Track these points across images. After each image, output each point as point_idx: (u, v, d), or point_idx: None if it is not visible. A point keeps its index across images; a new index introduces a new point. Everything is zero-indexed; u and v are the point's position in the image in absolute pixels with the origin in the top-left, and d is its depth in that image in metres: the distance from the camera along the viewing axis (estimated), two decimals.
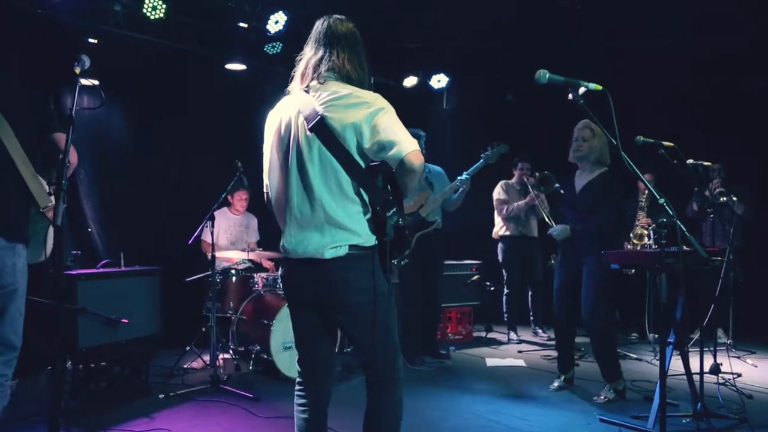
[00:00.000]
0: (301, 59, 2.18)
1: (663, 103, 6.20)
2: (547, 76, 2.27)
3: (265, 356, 4.36)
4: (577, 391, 4.19)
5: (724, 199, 4.80)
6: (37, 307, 3.39)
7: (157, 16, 4.73)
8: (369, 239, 2.05)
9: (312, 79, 2.11)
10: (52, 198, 3.35)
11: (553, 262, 4.33)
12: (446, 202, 4.98)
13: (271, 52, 5.35)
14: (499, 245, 6.14)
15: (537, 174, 5.85)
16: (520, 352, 5.57)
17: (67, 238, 4.99)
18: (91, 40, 4.78)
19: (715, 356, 4.44)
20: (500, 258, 6.13)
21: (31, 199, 2.55)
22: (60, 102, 4.85)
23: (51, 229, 3.28)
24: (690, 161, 4.36)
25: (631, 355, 5.28)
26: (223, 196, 4.38)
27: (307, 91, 2.10)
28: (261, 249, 5.13)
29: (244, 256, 4.78)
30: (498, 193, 6.07)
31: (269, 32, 4.87)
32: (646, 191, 5.51)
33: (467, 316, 6.13)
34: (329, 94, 2.03)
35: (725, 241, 4.73)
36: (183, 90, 5.47)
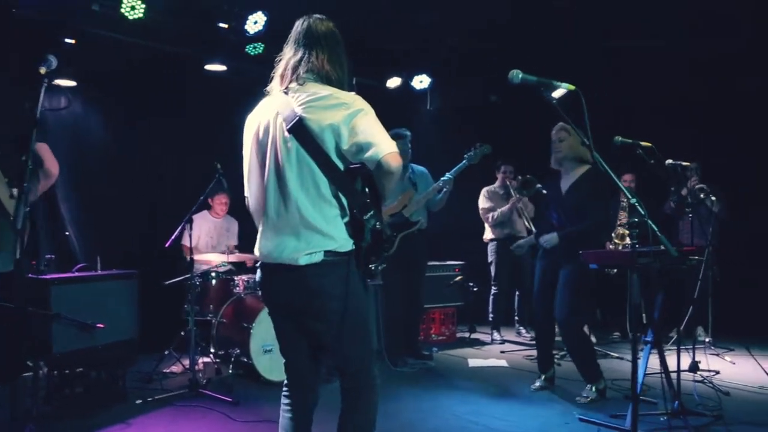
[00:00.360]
0: (280, 60, 2.16)
1: (660, 103, 6.24)
2: (520, 76, 2.27)
3: (245, 359, 4.32)
4: (558, 391, 4.21)
5: (703, 196, 4.85)
6: (11, 313, 3.36)
7: (135, 16, 4.67)
8: (345, 244, 2.03)
9: (291, 81, 2.08)
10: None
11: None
12: (430, 202, 4.98)
13: (252, 53, 5.30)
14: (489, 246, 6.17)
15: (519, 177, 5.90)
16: (502, 352, 5.58)
17: (43, 242, 4.93)
18: (68, 41, 4.71)
19: (693, 354, 4.48)
20: (490, 258, 6.15)
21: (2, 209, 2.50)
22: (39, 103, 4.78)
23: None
24: (669, 161, 4.40)
25: (613, 354, 5.31)
26: (201, 199, 4.33)
27: (286, 93, 2.08)
28: (238, 252, 5.10)
29: (223, 258, 4.74)
30: (482, 201, 6.10)
31: (248, 33, 4.83)
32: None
33: (450, 316, 6.14)
34: (308, 96, 2.01)
35: (703, 240, 4.78)
36: (163, 91, 5.41)
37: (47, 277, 3.73)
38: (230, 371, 4.44)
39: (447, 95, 6.83)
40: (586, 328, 5.67)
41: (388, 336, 5.11)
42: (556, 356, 4.69)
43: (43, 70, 2.29)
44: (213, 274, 4.78)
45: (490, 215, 6.00)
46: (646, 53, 5.93)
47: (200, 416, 3.71)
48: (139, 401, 3.92)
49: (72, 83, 5.02)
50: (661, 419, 3.45)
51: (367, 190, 2.08)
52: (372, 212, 2.03)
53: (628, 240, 5.31)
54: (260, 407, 3.83)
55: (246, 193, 2.24)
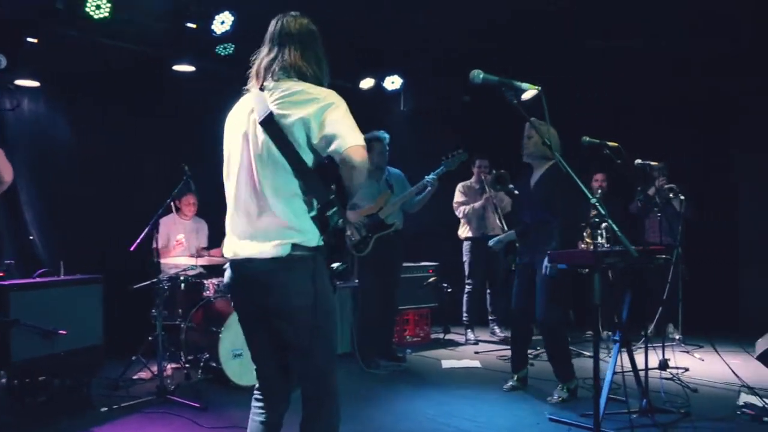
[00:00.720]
0: (256, 59, 2.18)
1: (635, 102, 6.30)
2: (481, 76, 2.27)
3: (215, 364, 4.26)
4: (530, 391, 4.22)
5: (672, 195, 4.91)
6: None
7: (101, 16, 4.56)
8: (312, 239, 2.02)
9: (266, 78, 2.11)
10: None
11: (513, 266, 4.35)
12: (408, 203, 5.03)
13: (222, 53, 5.23)
14: (464, 244, 6.17)
15: (494, 171, 5.92)
16: (476, 353, 5.59)
17: (5, 247, 4.81)
18: (30, 40, 4.59)
19: (663, 352, 4.52)
20: (464, 257, 6.16)
21: None
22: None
23: None
24: (638, 161, 4.45)
25: (585, 353, 5.34)
26: (168, 201, 4.25)
27: (262, 90, 2.10)
28: (209, 254, 5.04)
29: (192, 261, 4.66)
30: (457, 195, 6.14)
31: (215, 33, 4.76)
32: (599, 191, 5.60)
33: (425, 317, 6.13)
34: (281, 91, 2.03)
35: (670, 239, 4.84)
36: (130, 92, 5.31)
37: (6, 283, 3.62)
38: (200, 376, 4.37)
39: (420, 96, 6.83)
40: None
41: (362, 338, 5.08)
42: (530, 356, 4.70)
43: None
44: (182, 278, 4.69)
45: (462, 209, 6.02)
46: (620, 53, 5.98)
47: (167, 423, 3.63)
48: (104, 409, 3.83)
49: (35, 84, 4.90)
50: (631, 417, 3.47)
51: (333, 187, 2.05)
52: (335, 209, 2.01)
53: (600, 240, 5.37)
54: (228, 413, 3.77)
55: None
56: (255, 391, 2.25)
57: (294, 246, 1.98)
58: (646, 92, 6.19)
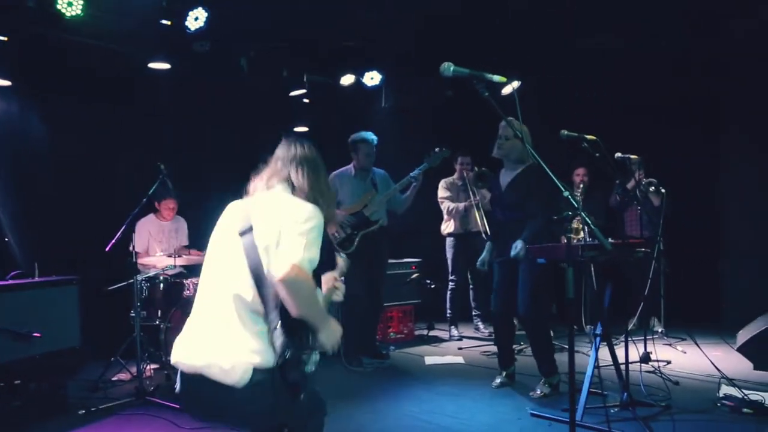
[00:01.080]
0: (261, 172, 2.18)
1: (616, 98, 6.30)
2: (452, 68, 2.24)
3: None
4: (515, 387, 4.21)
5: (653, 189, 4.92)
6: None
7: (73, 13, 4.48)
8: (269, 359, 1.86)
9: (264, 188, 2.12)
10: None
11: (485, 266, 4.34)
12: (395, 203, 5.10)
13: (199, 50, 5.16)
14: (447, 240, 6.16)
15: (475, 168, 5.91)
16: (460, 348, 5.58)
17: None
18: (0, 38, 4.50)
19: (645, 345, 4.55)
20: (447, 253, 6.15)
21: None
22: None
23: None
24: (618, 154, 4.46)
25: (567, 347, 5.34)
26: (144, 201, 4.19)
27: (254, 196, 2.11)
28: (189, 252, 4.99)
29: (169, 261, 4.61)
30: (440, 191, 6.12)
31: (189, 29, 4.70)
32: (581, 185, 5.60)
33: (408, 314, 6.11)
34: (269, 200, 2.04)
35: (649, 232, 4.85)
36: (105, 91, 5.23)
37: None
38: None
39: (401, 92, 6.80)
40: None
41: (346, 335, 5.02)
42: (514, 350, 4.69)
43: None
44: (161, 278, 4.63)
45: (447, 204, 6.01)
46: (604, 50, 5.99)
47: (145, 424, 3.59)
48: (82, 411, 3.77)
49: (6, 83, 4.81)
50: (612, 411, 3.48)
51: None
52: (282, 341, 1.85)
53: (582, 234, 5.38)
54: None
55: None
56: None
57: (255, 370, 1.84)
58: (631, 89, 6.21)
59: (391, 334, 5.94)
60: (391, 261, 5.75)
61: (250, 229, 1.95)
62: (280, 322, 1.86)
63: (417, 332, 6.22)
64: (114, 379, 4.52)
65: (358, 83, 6.26)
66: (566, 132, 3.50)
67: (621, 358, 3.70)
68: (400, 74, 6.56)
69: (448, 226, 6.13)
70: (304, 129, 6.92)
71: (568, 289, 2.23)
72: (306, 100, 6.25)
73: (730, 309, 6.05)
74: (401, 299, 6.01)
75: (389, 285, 5.68)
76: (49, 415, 3.71)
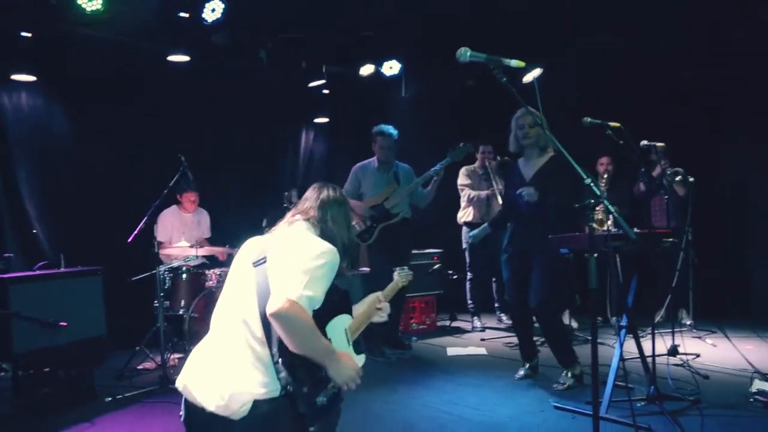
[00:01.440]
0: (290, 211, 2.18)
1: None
2: (468, 53, 2.18)
3: None
4: (538, 379, 4.15)
5: (679, 178, 4.78)
6: None
7: (93, 9, 4.53)
8: (274, 390, 1.83)
9: (287, 224, 2.10)
10: None
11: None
12: (417, 198, 5.11)
13: (217, 43, 5.18)
14: (463, 230, 6.09)
15: (498, 158, 5.81)
16: (482, 340, 5.52)
17: (7, 241, 4.84)
18: (25, 34, 4.58)
19: (673, 337, 4.43)
20: (464, 244, 6.08)
21: None
22: None
23: None
24: (644, 142, 4.34)
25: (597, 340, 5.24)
26: (166, 192, 4.24)
27: (275, 231, 2.10)
28: (209, 245, 5.04)
29: (192, 252, 4.65)
30: (461, 178, 6.05)
31: (206, 21, 4.71)
32: (605, 175, 5.46)
33: (431, 305, 6.07)
34: (287, 234, 2.02)
35: (676, 222, 4.71)
36: (126, 84, 5.28)
37: (5, 276, 3.64)
38: None
39: (421, 82, 6.72)
40: (567, 314, 5.63)
41: (369, 325, 5.05)
42: (537, 343, 4.63)
43: None
44: (184, 269, 4.69)
45: (468, 192, 5.94)
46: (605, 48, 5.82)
47: (167, 412, 3.64)
48: (108, 399, 3.85)
49: (32, 78, 4.89)
50: (638, 405, 3.40)
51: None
52: (285, 374, 1.81)
53: (607, 225, 5.26)
54: None
55: None
56: None
57: (255, 402, 1.80)
58: (656, 76, 6.01)
59: (414, 325, 5.92)
60: (413, 252, 5.71)
61: (263, 260, 1.93)
62: (281, 357, 1.81)
63: (439, 323, 6.19)
64: (139, 367, 4.60)
65: (377, 73, 6.21)
66: (589, 119, 3.41)
67: (647, 351, 3.60)
68: (419, 63, 6.48)
69: (465, 214, 6.05)
70: (324, 120, 6.91)
71: (591, 279, 2.16)
72: (325, 91, 6.23)
73: (760, 301, 5.86)
74: (423, 290, 5.97)
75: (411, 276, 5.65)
76: (77, 402, 3.79)
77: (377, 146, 5.04)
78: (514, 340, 5.03)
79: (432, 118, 6.76)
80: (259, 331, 1.85)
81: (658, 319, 5.62)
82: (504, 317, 6.23)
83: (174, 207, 5.25)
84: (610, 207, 2.12)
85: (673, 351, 4.38)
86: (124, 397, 3.87)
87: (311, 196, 2.13)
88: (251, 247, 2.05)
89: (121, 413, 3.66)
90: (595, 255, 2.23)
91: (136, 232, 4.09)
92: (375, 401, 3.75)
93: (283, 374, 1.81)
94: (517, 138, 3.97)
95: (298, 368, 1.83)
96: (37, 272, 3.89)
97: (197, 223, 5.32)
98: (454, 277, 6.14)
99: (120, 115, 5.35)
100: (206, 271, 4.74)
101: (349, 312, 2.18)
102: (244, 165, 6.13)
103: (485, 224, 4.46)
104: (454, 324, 6.13)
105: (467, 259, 6.09)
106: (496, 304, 6.30)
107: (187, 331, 4.57)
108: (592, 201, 2.15)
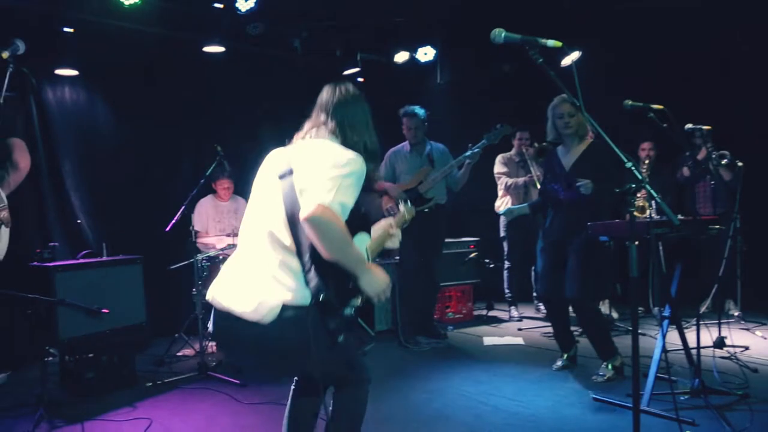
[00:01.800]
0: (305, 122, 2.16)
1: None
2: (503, 35, 2.11)
3: None
4: (576, 370, 4.06)
5: (726, 162, 4.56)
6: (18, 301, 3.40)
7: (131, 2, 4.62)
8: (304, 297, 1.85)
9: (305, 135, 2.09)
10: (5, 199, 3.32)
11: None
12: (451, 180, 4.97)
13: (252, 33, 5.20)
14: (501, 219, 6.00)
15: (536, 144, 5.67)
16: (520, 329, 5.44)
17: (54, 231, 5.00)
18: (66, 30, 4.69)
19: (719, 329, 4.25)
20: (502, 232, 5.99)
21: None
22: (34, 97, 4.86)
23: (5, 229, 3.27)
24: (689, 125, 4.16)
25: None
26: (202, 182, 4.30)
27: (298, 143, 2.09)
28: None
29: (228, 241, 4.71)
30: (497, 166, 5.94)
31: (239, 11, 4.73)
32: (647, 160, 5.27)
33: (467, 294, 6.00)
34: (311, 146, 2.01)
35: (722, 208, 4.50)
36: (164, 76, 5.37)
37: (51, 264, 3.75)
38: None
39: (455, 68, 6.61)
40: (607, 304, 5.48)
41: (403, 314, 5.05)
42: (575, 333, 4.52)
43: (5, 55, 2.20)
44: (220, 257, 4.75)
45: (505, 179, 5.83)
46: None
47: (206, 398, 3.71)
48: (149, 384, 3.95)
49: (74, 72, 5.02)
50: (682, 398, 3.29)
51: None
52: (316, 282, 1.83)
53: (648, 212, 5.08)
54: (267, 389, 3.80)
55: None
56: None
57: (284, 307, 1.83)
58: (705, 52, 5.72)
59: (450, 313, 5.87)
60: (449, 240, 5.66)
61: (290, 172, 1.93)
62: (313, 265, 1.83)
63: (476, 312, 6.12)
64: (178, 354, 4.71)
65: (412, 59, 6.13)
66: (630, 102, 3.29)
67: (692, 343, 3.47)
68: (454, 49, 6.37)
69: (503, 203, 5.94)
70: None
71: (632, 268, 2.08)
72: (360, 79, 6.20)
73: None
74: (460, 279, 5.91)
75: (448, 264, 5.61)
76: (119, 387, 3.90)
77: (405, 128, 4.97)
78: (552, 330, 4.94)
79: (467, 105, 6.65)
80: (288, 240, 1.88)
81: (703, 309, 5.43)
82: (542, 306, 6.11)
83: (210, 196, 5.32)
84: (652, 191, 2.03)
85: (720, 343, 4.20)
86: (164, 382, 3.97)
87: (326, 101, 2.08)
88: (275, 159, 2.06)
89: (161, 398, 3.75)
90: (636, 243, 2.14)
91: (173, 221, 4.16)
92: (410, 391, 3.73)
93: (314, 283, 1.82)
94: (557, 127, 3.86)
95: (328, 278, 1.84)
96: (81, 260, 4.01)
97: (234, 211, 5.38)
98: (491, 265, 6.05)
99: (157, 107, 5.44)
100: None
101: (369, 232, 2.18)
102: None
103: (525, 204, 4.34)
104: (491, 313, 6.06)
105: (505, 248, 5.99)
106: (534, 294, 6.20)
107: None
108: (633, 186, 2.06)
